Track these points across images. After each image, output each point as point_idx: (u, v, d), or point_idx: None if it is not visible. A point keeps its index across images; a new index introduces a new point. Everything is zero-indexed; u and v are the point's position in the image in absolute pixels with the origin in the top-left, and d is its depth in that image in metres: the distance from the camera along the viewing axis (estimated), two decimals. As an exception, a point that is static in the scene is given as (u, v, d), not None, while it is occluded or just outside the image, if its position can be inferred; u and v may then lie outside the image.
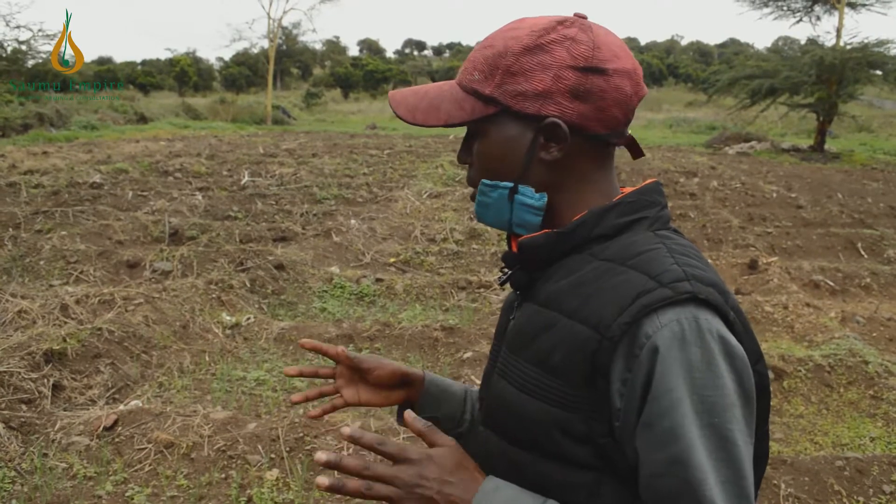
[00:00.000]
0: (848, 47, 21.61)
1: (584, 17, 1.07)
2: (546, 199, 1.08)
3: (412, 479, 0.97)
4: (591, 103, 1.02)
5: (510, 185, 1.07)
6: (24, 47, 24.47)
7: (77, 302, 5.52)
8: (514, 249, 1.13)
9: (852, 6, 24.08)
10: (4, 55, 23.98)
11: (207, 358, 5.12)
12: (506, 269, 1.16)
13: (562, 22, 1.04)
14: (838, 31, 22.94)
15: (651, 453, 0.91)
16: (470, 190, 1.17)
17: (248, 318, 5.69)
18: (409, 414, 1.04)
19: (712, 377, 0.89)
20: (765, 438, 1.03)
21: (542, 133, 1.04)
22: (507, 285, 1.17)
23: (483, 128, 1.08)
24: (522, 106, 1.03)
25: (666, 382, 0.89)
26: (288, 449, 3.69)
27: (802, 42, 31.89)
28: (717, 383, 0.89)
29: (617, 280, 0.97)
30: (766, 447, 1.05)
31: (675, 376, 0.89)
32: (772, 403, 4.81)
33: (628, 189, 1.10)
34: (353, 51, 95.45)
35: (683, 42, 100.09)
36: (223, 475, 3.56)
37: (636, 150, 1.15)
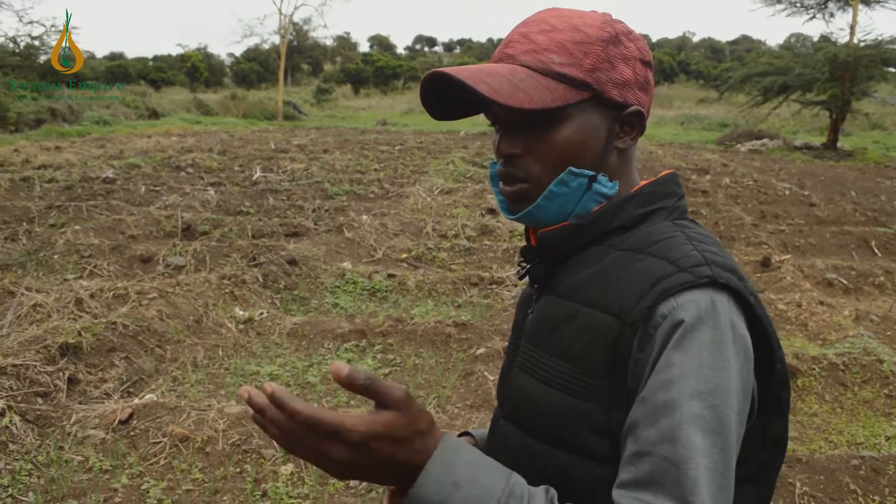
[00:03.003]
0: (862, 44, 21.47)
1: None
2: (618, 187, 1.08)
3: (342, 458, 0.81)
4: (649, 95, 1.09)
5: (591, 173, 1.05)
6: (36, 43, 24.62)
7: (91, 296, 5.55)
8: (533, 243, 1.13)
9: (866, 3, 23.87)
10: (17, 51, 24.10)
11: (221, 352, 5.13)
12: (524, 263, 1.16)
13: (610, 16, 1.09)
14: (852, 27, 22.78)
15: (642, 429, 0.88)
16: (481, 187, 1.14)
17: (261, 313, 5.70)
18: (336, 366, 0.78)
19: (720, 360, 0.88)
20: (782, 437, 1.02)
21: (619, 121, 1.06)
22: (522, 280, 1.18)
23: (566, 114, 1.03)
24: (612, 94, 1.04)
25: (671, 358, 0.88)
26: (302, 443, 3.70)
27: (815, 39, 31.78)
28: (724, 366, 0.88)
29: (636, 267, 0.98)
30: (783, 446, 1.03)
31: (682, 353, 0.88)
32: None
33: (644, 182, 1.11)
34: (364, 47, 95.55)
35: (695, 39, 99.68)
36: (238, 469, 3.58)
37: None
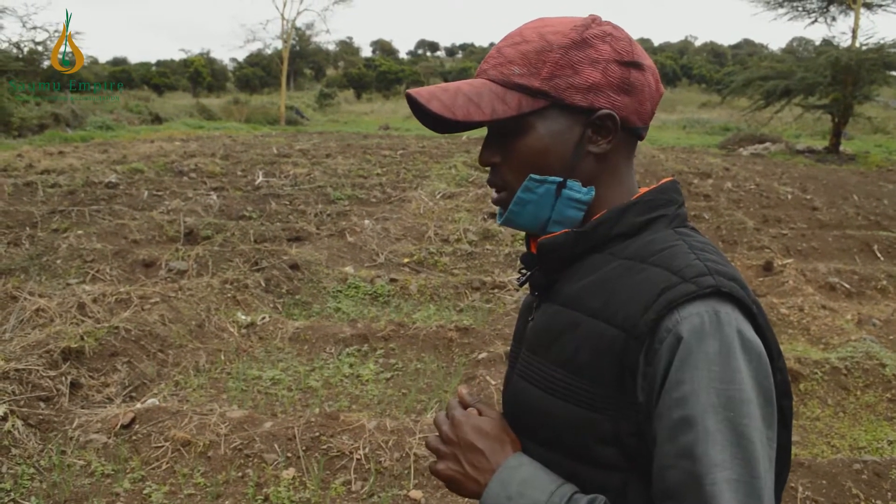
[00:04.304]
0: (864, 48, 21.46)
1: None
2: (594, 192, 1.07)
3: (445, 436, 1.08)
4: (633, 97, 1.05)
5: (559, 179, 1.05)
6: (39, 48, 24.71)
7: (94, 300, 5.56)
8: (533, 250, 1.13)
9: (868, 6, 23.90)
10: (21, 56, 24.18)
11: (223, 357, 5.14)
12: (524, 271, 1.16)
13: (594, 20, 1.06)
14: (854, 31, 22.76)
15: (662, 444, 0.90)
16: (483, 192, 1.14)
17: (263, 318, 5.71)
18: (462, 388, 1.16)
19: (730, 371, 0.88)
20: (786, 448, 1.01)
21: (591, 126, 1.04)
22: (524, 287, 1.17)
23: (528, 123, 1.04)
24: (574, 99, 1.03)
25: (681, 374, 0.89)
26: (304, 448, 3.71)
27: (817, 43, 31.77)
28: (734, 377, 0.88)
29: (639, 277, 0.97)
30: (787, 457, 1.02)
31: (691, 368, 0.89)
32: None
33: (645, 189, 1.10)
34: (366, 51, 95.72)
35: (697, 43, 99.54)
36: (240, 474, 3.58)
37: None
